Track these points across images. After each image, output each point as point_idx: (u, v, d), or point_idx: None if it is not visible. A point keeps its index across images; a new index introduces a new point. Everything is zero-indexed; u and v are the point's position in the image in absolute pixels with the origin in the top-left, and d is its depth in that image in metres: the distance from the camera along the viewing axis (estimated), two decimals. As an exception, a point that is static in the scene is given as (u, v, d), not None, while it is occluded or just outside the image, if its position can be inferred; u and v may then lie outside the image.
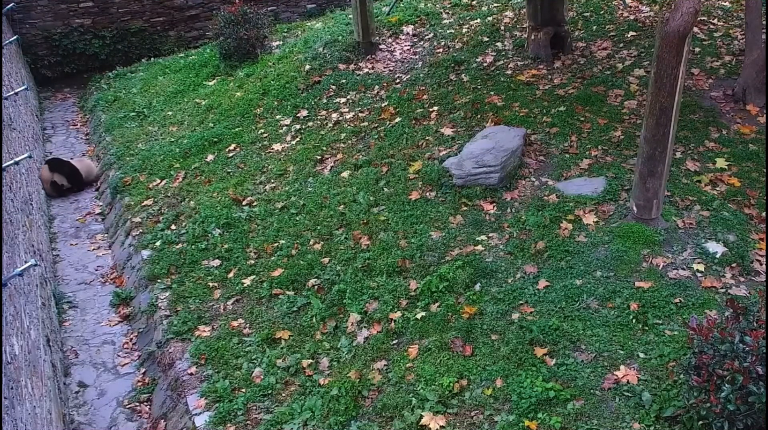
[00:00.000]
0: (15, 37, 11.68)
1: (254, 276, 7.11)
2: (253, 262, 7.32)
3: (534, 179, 7.33)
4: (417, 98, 9.23)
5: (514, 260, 6.42)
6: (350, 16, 11.87)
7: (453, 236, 6.82)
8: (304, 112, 9.82)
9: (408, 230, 7.02)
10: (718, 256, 6.15)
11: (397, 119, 8.87)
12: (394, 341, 5.97)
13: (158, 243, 8.03)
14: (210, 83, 11.84)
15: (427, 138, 8.32)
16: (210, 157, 9.48)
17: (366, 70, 10.48)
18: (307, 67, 10.84)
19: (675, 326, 5.49)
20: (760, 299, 4.85)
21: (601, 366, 5.30)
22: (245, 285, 7.04)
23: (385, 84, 9.88)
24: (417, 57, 10.58)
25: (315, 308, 6.48)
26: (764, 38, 8.03)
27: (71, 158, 10.56)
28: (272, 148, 9.26)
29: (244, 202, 8.27)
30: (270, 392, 5.81)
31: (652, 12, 10.63)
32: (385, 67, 10.47)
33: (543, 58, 9.54)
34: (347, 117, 9.34)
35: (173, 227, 8.28)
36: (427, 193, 7.44)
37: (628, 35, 9.89)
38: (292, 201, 8.01)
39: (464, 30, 11.02)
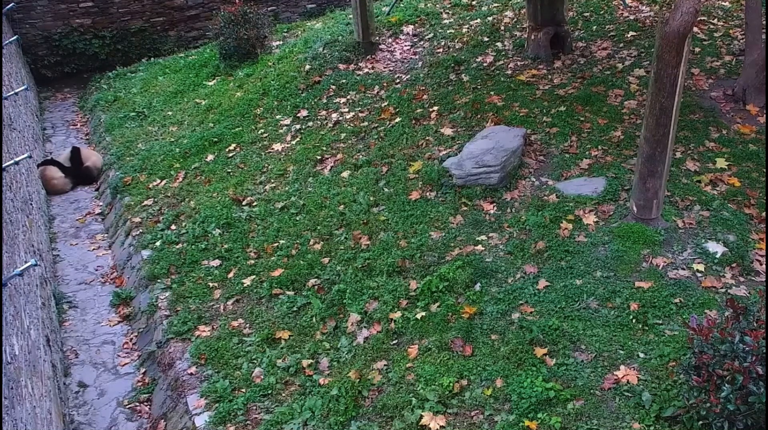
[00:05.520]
0: (15, 37, 11.67)
1: (254, 276, 7.11)
2: (253, 262, 7.32)
3: (534, 179, 7.33)
4: (417, 98, 9.23)
5: (514, 260, 6.42)
6: (350, 16, 11.86)
7: (453, 236, 6.82)
8: (304, 112, 9.82)
9: (408, 230, 7.02)
10: (718, 256, 6.15)
11: (397, 119, 8.87)
12: (394, 341, 5.97)
13: (158, 243, 8.03)
14: (210, 83, 11.84)
15: (427, 138, 8.32)
16: (210, 157, 9.48)
17: (366, 70, 10.48)
18: (307, 67, 10.84)
19: (675, 326, 5.49)
20: (760, 299, 4.86)
21: (601, 366, 5.30)
22: (245, 285, 7.04)
23: (385, 84, 9.88)
24: (417, 57, 10.58)
25: (315, 308, 6.48)
26: (764, 38, 8.03)
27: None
28: (272, 148, 9.26)
29: (244, 203, 8.27)
30: (270, 392, 5.81)
31: (652, 12, 10.63)
32: (385, 67, 10.47)
33: (543, 58, 9.54)
34: (347, 117, 9.34)
35: (173, 227, 8.28)
36: (427, 193, 7.44)
37: (628, 35, 9.89)
38: (292, 201, 8.01)
39: (464, 30, 11.02)
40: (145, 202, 8.94)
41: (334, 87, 10.12)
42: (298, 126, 9.57)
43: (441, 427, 5.10)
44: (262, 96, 10.60)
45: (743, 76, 8.29)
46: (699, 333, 4.56)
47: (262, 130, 9.76)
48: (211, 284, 7.21)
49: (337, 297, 6.51)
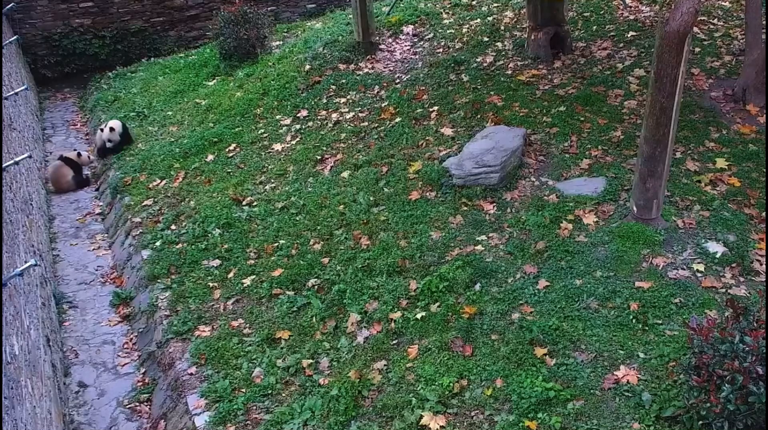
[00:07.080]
0: (15, 37, 11.67)
1: (254, 276, 7.11)
2: (253, 262, 7.32)
3: (534, 179, 7.33)
4: (417, 98, 9.23)
5: (514, 260, 6.42)
6: (350, 16, 11.86)
7: (453, 236, 6.82)
8: (304, 112, 9.82)
9: (408, 230, 7.02)
10: (718, 256, 6.15)
11: (397, 119, 8.87)
12: (394, 341, 5.97)
13: (158, 243, 8.03)
14: (210, 83, 11.84)
15: (427, 138, 8.32)
16: (210, 157, 9.48)
17: (366, 70, 10.48)
18: (307, 67, 10.84)
19: (675, 326, 5.49)
20: (760, 299, 4.87)
21: (601, 366, 5.30)
22: (245, 285, 7.04)
23: (385, 84, 9.88)
24: (417, 57, 10.58)
25: (315, 308, 6.47)
26: (764, 38, 8.03)
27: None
28: (272, 148, 9.26)
29: (244, 203, 8.27)
30: (270, 392, 5.81)
31: (652, 12, 10.63)
32: (385, 67, 10.47)
33: (543, 58, 9.54)
34: (347, 117, 9.34)
35: (173, 227, 8.27)
36: (427, 193, 7.44)
37: (628, 35, 9.89)
38: (292, 201, 8.01)
39: (464, 30, 11.02)
40: (145, 202, 8.94)
41: (334, 87, 10.12)
42: (298, 126, 9.57)
43: (441, 427, 5.10)
44: (262, 96, 10.60)
45: (743, 76, 8.29)
46: (699, 333, 4.56)
47: (262, 130, 9.76)
48: (211, 284, 7.21)
49: (337, 297, 6.51)
